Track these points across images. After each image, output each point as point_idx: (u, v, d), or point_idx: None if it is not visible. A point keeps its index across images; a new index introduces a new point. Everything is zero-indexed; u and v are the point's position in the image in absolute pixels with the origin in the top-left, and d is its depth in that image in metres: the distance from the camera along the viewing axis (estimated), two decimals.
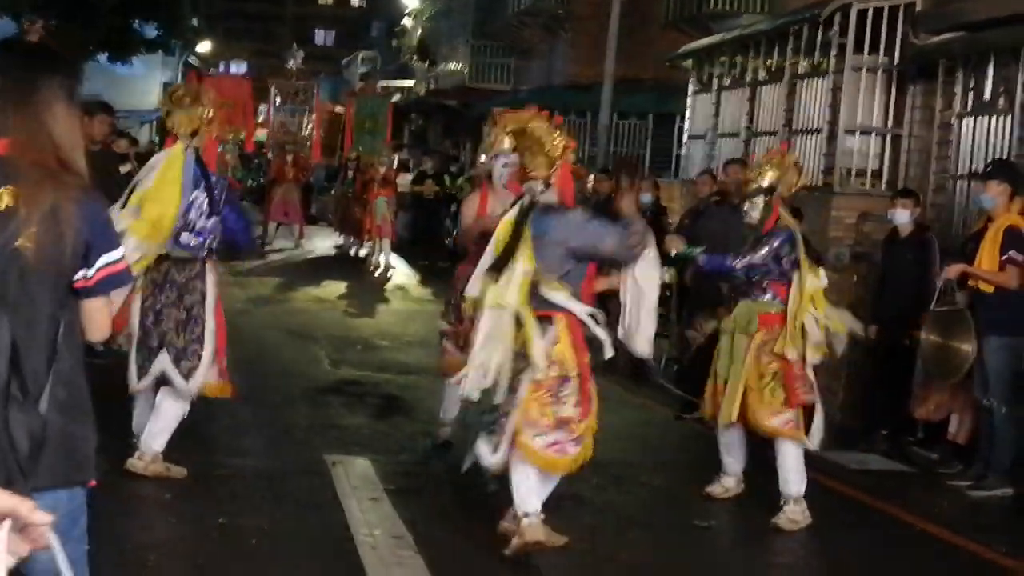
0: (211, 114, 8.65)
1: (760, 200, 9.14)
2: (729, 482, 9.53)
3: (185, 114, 8.58)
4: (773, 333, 9.09)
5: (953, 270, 10.29)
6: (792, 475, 8.97)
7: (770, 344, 9.07)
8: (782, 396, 8.99)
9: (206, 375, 8.66)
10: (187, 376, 8.48)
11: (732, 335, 9.26)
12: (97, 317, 3.90)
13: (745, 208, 9.27)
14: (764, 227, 9.12)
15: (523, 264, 7.47)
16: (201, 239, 8.49)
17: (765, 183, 9.13)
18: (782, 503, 8.98)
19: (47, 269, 3.77)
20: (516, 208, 7.77)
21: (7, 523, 2.28)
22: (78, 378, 3.88)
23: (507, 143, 10.04)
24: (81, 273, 3.82)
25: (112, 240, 3.93)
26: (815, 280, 9.21)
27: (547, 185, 7.72)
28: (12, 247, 3.73)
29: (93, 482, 3.90)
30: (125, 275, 3.96)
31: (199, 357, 8.56)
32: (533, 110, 8.12)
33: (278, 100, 32.39)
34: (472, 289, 7.72)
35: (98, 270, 3.83)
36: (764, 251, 9.02)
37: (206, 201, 8.41)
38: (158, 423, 8.61)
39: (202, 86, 9.02)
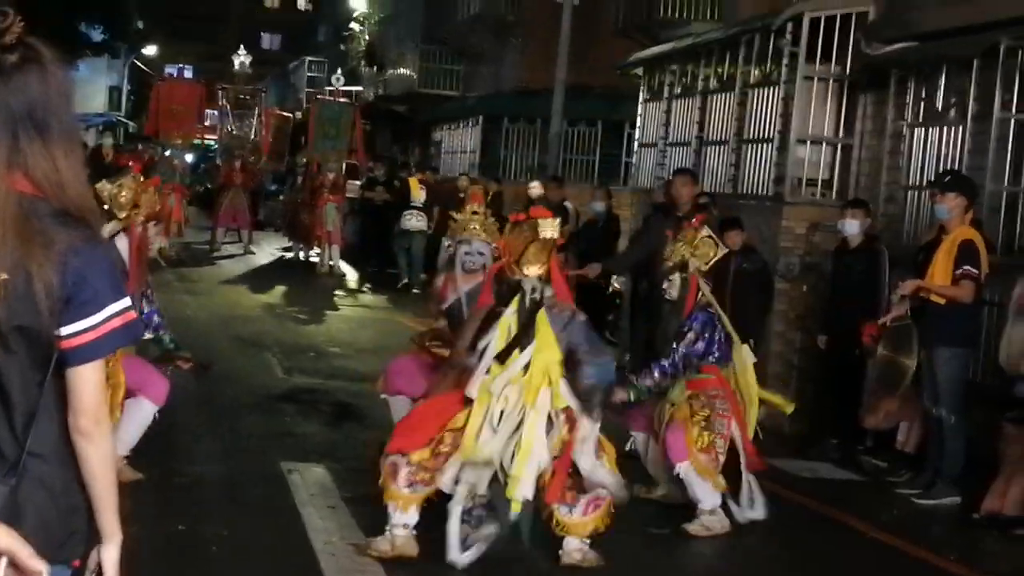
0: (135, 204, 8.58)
1: (677, 277, 9.18)
2: (662, 491, 9.57)
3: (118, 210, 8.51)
4: (705, 386, 9.10)
5: (909, 286, 10.37)
6: (702, 493, 8.91)
7: (702, 396, 9.04)
8: (708, 439, 8.91)
9: None
10: None
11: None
12: (88, 390, 3.05)
13: (664, 286, 9.32)
14: (685, 304, 9.14)
15: (550, 354, 7.44)
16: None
17: (677, 260, 9.18)
18: (697, 512, 8.94)
19: (20, 319, 2.97)
20: (517, 305, 7.59)
21: (4, 560, 2.28)
22: (66, 445, 3.11)
23: (476, 230, 9.89)
24: (83, 324, 3.01)
25: (116, 288, 3.11)
26: (749, 355, 9.32)
27: (545, 281, 7.66)
28: None
29: (77, 562, 3.17)
30: (137, 326, 3.16)
31: None
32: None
33: (227, 105, 32.28)
34: (472, 390, 7.49)
35: (107, 319, 3.03)
36: (690, 336, 9.06)
37: None
38: (128, 431, 8.53)
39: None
